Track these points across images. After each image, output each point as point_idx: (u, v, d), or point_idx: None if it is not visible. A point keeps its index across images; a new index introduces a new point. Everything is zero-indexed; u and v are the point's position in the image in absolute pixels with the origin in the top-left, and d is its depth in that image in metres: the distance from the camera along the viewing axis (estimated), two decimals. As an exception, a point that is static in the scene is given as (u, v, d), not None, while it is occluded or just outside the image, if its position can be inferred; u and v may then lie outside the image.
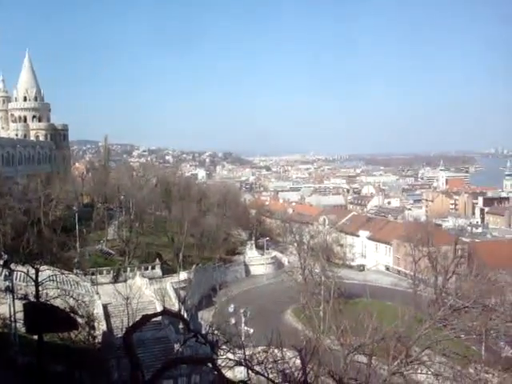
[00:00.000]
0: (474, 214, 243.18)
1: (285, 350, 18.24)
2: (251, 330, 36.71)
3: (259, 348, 18.18)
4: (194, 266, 73.63)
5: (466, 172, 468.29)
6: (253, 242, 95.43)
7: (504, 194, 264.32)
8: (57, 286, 36.73)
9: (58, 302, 23.40)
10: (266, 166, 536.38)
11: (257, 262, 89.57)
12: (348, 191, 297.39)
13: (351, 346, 23.50)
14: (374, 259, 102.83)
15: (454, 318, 26.09)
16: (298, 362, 18.05)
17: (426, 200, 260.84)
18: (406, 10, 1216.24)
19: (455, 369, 24.69)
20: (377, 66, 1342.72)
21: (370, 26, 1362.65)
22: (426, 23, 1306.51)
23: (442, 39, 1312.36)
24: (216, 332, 16.68)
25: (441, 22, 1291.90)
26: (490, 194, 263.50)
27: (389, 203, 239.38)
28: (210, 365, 13.18)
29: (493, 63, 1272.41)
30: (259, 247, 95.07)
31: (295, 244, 76.47)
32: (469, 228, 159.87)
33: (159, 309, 42.57)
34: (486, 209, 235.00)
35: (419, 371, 24.57)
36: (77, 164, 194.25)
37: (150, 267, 70.02)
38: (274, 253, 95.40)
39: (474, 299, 28.91)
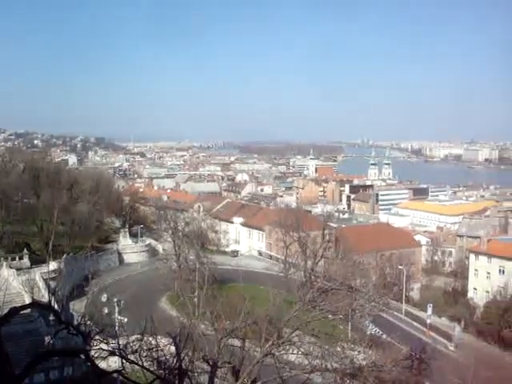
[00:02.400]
0: (341, 200, 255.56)
1: (159, 337, 18.28)
2: (125, 320, 36.23)
3: (133, 337, 18.09)
4: (64, 256, 70.95)
5: (334, 161, 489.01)
6: (126, 229, 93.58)
7: (369, 182, 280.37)
8: None
9: None
10: (141, 152, 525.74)
11: (130, 250, 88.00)
12: (223, 178, 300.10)
13: (225, 330, 23.92)
14: (247, 245, 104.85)
15: (322, 300, 27.32)
16: (173, 348, 18.21)
17: (297, 187, 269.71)
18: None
19: (323, 348, 25.88)
20: (239, 56, 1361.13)
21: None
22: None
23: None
24: (88, 322, 16.38)
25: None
26: (355, 182, 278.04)
27: (262, 190, 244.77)
28: (82, 356, 12.98)
29: (364, 57, 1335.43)
30: (133, 235, 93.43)
31: (170, 231, 76.05)
32: (336, 214, 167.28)
33: (28, 301, 40.73)
34: (352, 196, 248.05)
35: (290, 351, 25.54)
36: None
37: (17, 257, 66.53)
38: (149, 240, 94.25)
39: (340, 281, 30.51)
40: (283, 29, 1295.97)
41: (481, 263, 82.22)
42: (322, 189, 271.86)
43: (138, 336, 17.61)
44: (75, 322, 14.51)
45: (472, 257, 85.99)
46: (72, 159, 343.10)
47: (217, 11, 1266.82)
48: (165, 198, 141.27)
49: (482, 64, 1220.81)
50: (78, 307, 55.55)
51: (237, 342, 24.73)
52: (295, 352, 25.61)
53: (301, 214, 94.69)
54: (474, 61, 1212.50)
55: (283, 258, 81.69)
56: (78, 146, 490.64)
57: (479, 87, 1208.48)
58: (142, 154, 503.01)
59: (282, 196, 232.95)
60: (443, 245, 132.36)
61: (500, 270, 78.59)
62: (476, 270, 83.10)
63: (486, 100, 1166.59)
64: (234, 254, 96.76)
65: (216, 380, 22.16)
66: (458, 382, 44.01)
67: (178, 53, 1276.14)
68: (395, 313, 68.69)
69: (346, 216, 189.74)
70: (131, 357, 14.97)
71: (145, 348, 16.50)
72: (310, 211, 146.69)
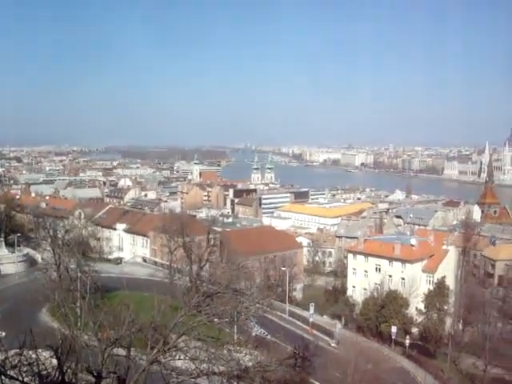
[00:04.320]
0: (225, 204, 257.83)
1: (40, 351, 17.58)
2: (3, 334, 34.29)
3: (12, 352, 17.26)
4: None
5: (218, 165, 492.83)
6: (2, 239, 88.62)
7: (252, 186, 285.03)
8: None
9: None
10: (17, 156, 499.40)
11: (7, 260, 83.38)
12: (104, 184, 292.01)
13: (109, 339, 23.39)
14: (131, 252, 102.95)
15: (207, 304, 27.43)
16: (55, 361, 17.58)
17: (182, 192, 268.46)
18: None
19: (210, 351, 26.00)
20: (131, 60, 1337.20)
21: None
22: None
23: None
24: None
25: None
26: (239, 186, 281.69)
27: (145, 196, 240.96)
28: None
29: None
30: (9, 244, 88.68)
31: (49, 239, 72.92)
32: (221, 218, 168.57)
33: None
34: (236, 200, 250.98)
35: (177, 357, 25.45)
36: None
37: None
38: (26, 250, 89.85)
39: (225, 284, 30.75)
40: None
41: (358, 262, 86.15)
42: (206, 193, 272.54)
43: (17, 350, 16.83)
44: None
45: (350, 256, 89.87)
46: None
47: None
48: (43, 204, 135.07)
49: (357, 74, 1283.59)
50: None
51: (122, 351, 24.26)
52: (182, 357, 25.54)
53: (185, 218, 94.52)
54: (348, 72, 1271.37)
55: (168, 263, 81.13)
56: None
57: (355, 94, 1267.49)
58: (19, 159, 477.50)
59: (166, 201, 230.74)
60: (323, 245, 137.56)
61: (376, 268, 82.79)
62: (354, 269, 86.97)
63: (362, 106, 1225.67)
64: (118, 261, 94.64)
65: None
66: (340, 376, 46.00)
67: (49, 53, 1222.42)
68: (279, 313, 70.36)
69: (231, 220, 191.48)
70: (11, 372, 14.30)
71: (25, 363, 15.82)
72: (195, 216, 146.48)
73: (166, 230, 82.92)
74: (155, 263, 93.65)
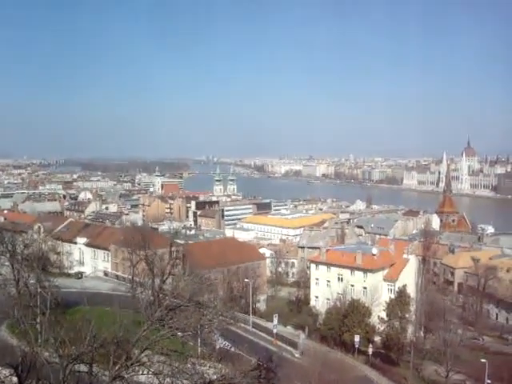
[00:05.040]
0: (187, 217, 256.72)
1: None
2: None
3: (-31, 370, 16.88)
4: None
5: (181, 177, 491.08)
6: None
7: (214, 198, 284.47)
8: None
9: None
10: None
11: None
12: (64, 197, 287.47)
13: (70, 356, 23.04)
14: (92, 266, 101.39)
15: (170, 318, 27.32)
16: (15, 379, 17.26)
17: (143, 205, 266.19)
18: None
19: (173, 365, 25.87)
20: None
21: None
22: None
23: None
24: None
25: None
26: (202, 198, 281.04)
27: (106, 209, 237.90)
28: None
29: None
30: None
31: (7, 255, 71.25)
32: (183, 230, 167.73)
33: None
34: (199, 212, 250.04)
35: (140, 372, 25.22)
36: None
37: None
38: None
39: (188, 298, 30.69)
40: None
41: (321, 272, 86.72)
42: (168, 206, 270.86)
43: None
44: None
45: (313, 266, 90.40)
46: None
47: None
48: (1, 219, 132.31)
49: (317, 87, 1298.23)
50: None
51: (84, 368, 23.94)
52: (145, 372, 25.32)
53: (147, 231, 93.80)
54: (308, 84, 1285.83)
55: (130, 277, 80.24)
56: None
57: (316, 107, 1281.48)
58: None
59: (127, 214, 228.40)
60: (286, 256, 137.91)
61: (339, 278, 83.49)
62: (317, 279, 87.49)
63: (323, 118, 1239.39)
64: (79, 275, 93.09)
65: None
66: (304, 386, 46.13)
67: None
68: (243, 325, 70.19)
69: (193, 232, 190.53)
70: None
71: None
72: (157, 228, 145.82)
73: (128, 243, 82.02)
74: (117, 277, 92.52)
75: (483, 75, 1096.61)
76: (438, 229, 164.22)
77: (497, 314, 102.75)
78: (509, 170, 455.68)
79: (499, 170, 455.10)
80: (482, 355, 63.83)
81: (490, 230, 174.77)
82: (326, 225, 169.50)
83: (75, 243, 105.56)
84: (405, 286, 76.06)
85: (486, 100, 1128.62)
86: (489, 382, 54.68)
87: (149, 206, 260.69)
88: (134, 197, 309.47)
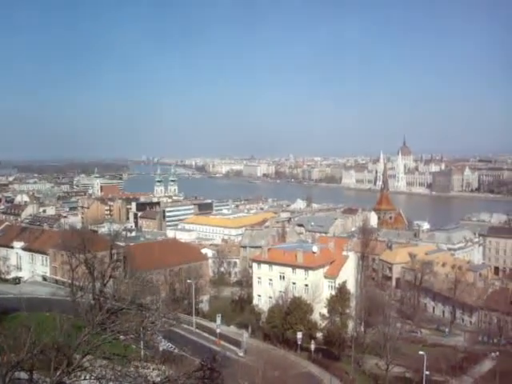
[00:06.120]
0: (128, 218, 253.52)
1: None
2: None
3: None
4: None
5: (120, 179, 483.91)
6: None
7: (155, 199, 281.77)
8: None
9: None
10: None
11: None
12: (0, 201, 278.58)
13: (9, 363, 22.53)
14: (30, 270, 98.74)
15: (112, 321, 27.04)
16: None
17: (82, 207, 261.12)
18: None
19: (116, 369, 25.62)
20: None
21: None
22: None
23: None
24: None
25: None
26: (142, 200, 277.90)
27: (44, 211, 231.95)
28: None
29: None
30: None
31: None
32: (124, 232, 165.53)
33: None
34: (140, 213, 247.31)
35: (82, 378, 24.88)
36: None
37: None
38: None
39: (129, 300, 30.44)
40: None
41: (263, 271, 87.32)
42: (108, 207, 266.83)
43: None
44: None
45: (255, 265, 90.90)
46: None
47: None
48: None
49: (258, 88, 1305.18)
50: None
51: (24, 375, 23.45)
52: (87, 377, 25.00)
53: (87, 234, 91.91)
54: (250, 85, 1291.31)
55: (70, 281, 78.66)
56: None
57: (257, 107, 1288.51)
58: None
59: (66, 217, 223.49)
60: (228, 256, 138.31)
61: (280, 276, 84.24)
62: (259, 278, 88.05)
63: (263, 118, 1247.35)
64: (16, 281, 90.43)
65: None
66: (249, 385, 46.48)
67: None
68: (186, 326, 70.04)
69: (134, 234, 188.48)
70: None
71: None
72: (97, 231, 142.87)
73: (67, 246, 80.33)
74: (56, 281, 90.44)
75: (419, 77, 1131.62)
76: (375, 226, 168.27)
77: (433, 308, 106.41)
78: (443, 168, 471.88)
79: (434, 168, 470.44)
80: (421, 348, 65.85)
81: (426, 226, 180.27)
82: (267, 224, 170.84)
83: (12, 247, 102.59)
84: (345, 282, 77.56)
85: (421, 100, 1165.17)
86: (427, 373, 56.48)
87: (88, 208, 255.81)
88: (73, 199, 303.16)
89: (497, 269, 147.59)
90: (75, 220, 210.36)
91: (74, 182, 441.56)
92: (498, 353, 69.38)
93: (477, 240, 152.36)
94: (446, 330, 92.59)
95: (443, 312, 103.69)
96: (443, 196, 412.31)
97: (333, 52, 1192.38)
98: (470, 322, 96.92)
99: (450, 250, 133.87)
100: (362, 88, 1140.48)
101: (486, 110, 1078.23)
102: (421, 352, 58.53)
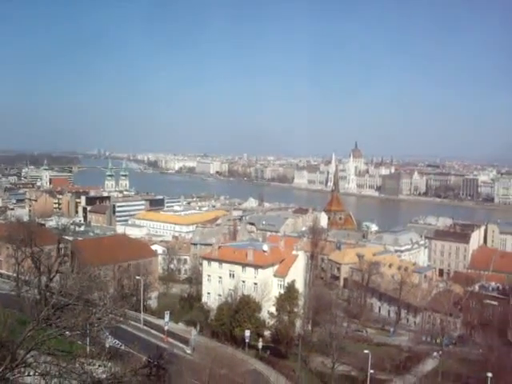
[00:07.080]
0: (77, 212, 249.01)
1: None
2: None
3: None
4: None
5: (70, 172, 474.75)
6: None
7: (105, 194, 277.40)
8: None
9: None
10: None
11: None
12: None
13: None
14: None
15: (57, 317, 26.66)
16: None
17: (30, 199, 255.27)
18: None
19: (61, 366, 25.29)
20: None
21: None
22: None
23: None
24: None
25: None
26: (92, 194, 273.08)
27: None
28: None
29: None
30: None
31: None
32: (72, 226, 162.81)
33: None
34: (89, 207, 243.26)
35: (26, 374, 24.48)
36: None
37: None
38: None
39: (76, 296, 30.01)
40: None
41: (213, 269, 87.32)
42: (56, 201, 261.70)
43: None
44: None
45: (205, 263, 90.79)
46: None
47: None
48: None
49: (212, 86, 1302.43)
50: None
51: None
52: (31, 373, 24.62)
53: (34, 227, 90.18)
54: (206, 82, 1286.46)
55: (15, 275, 77.01)
56: None
57: (212, 103, 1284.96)
58: None
59: (12, 209, 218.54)
60: (179, 253, 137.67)
61: (230, 274, 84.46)
62: (209, 276, 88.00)
63: (217, 116, 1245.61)
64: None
65: None
66: (196, 382, 46.50)
67: None
68: (134, 323, 69.36)
69: (83, 228, 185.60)
70: None
71: None
72: (44, 224, 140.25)
73: (13, 239, 78.67)
74: (1, 275, 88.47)
75: (376, 81, 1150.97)
76: (325, 226, 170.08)
77: (379, 307, 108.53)
78: (392, 171, 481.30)
79: (383, 171, 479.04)
80: (366, 346, 66.99)
81: (374, 227, 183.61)
82: (218, 222, 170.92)
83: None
84: (294, 281, 78.32)
85: (375, 104, 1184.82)
86: (372, 371, 57.70)
87: (36, 200, 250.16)
88: (20, 191, 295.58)
89: (441, 271, 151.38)
90: (22, 212, 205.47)
91: (23, 174, 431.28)
92: (440, 352, 71.30)
93: (423, 242, 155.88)
94: (391, 329, 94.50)
95: (389, 312, 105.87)
96: (392, 199, 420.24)
97: (285, 50, 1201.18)
98: (415, 322, 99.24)
99: (396, 251, 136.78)
100: (316, 89, 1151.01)
101: (439, 117, 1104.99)
102: (366, 351, 59.74)
